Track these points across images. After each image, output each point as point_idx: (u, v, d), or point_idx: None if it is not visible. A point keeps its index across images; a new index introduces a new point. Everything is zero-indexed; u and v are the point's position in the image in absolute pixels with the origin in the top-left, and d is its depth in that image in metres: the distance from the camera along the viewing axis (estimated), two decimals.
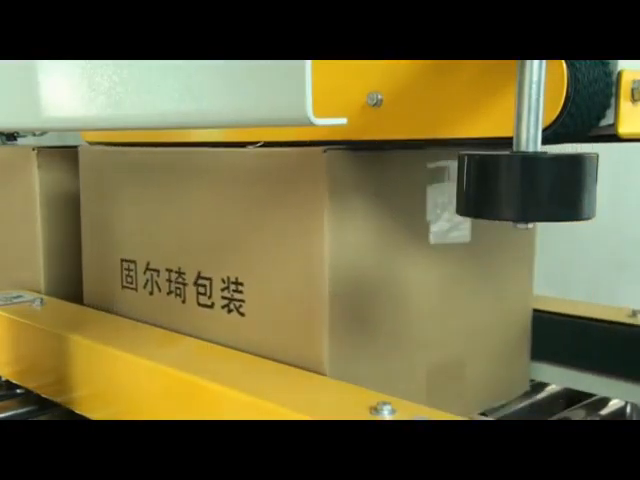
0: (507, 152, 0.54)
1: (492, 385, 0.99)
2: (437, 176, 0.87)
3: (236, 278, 0.87)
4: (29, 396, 1.01)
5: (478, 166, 0.55)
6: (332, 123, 0.55)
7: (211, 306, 0.91)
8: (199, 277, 0.92)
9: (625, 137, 0.61)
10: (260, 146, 0.86)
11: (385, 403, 0.66)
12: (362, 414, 0.65)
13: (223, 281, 0.88)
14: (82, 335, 0.91)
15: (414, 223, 0.86)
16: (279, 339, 0.83)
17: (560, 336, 1.04)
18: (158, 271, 0.97)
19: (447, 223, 0.88)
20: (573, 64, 0.58)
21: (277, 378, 0.78)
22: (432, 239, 0.87)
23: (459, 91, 0.66)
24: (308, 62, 0.51)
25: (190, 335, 0.93)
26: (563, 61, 0.58)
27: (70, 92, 0.67)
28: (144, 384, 0.83)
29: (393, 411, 0.65)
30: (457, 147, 1.06)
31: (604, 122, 0.61)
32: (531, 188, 0.53)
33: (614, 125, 0.60)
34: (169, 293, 0.96)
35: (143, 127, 0.85)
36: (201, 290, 0.92)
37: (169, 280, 0.96)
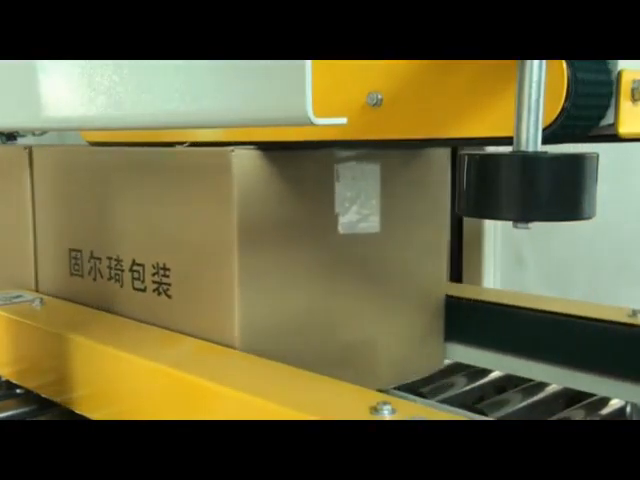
0: (507, 152, 0.54)
1: (405, 362, 1.07)
2: (345, 173, 0.97)
3: (164, 264, 0.97)
4: (29, 396, 1.01)
5: (478, 166, 0.55)
6: (332, 123, 0.55)
7: (144, 290, 1.00)
8: (134, 264, 1.01)
9: (625, 137, 0.61)
10: (188, 146, 0.98)
11: (385, 403, 0.66)
12: (362, 414, 0.65)
13: (153, 267, 0.98)
14: (82, 335, 0.91)
15: (323, 215, 0.96)
16: (199, 318, 0.93)
17: (560, 336, 1.04)
18: (100, 259, 1.07)
19: (356, 215, 0.99)
20: (573, 64, 0.58)
21: (277, 378, 0.78)
22: (341, 229, 0.98)
23: (459, 91, 0.66)
24: (308, 62, 0.51)
25: (127, 316, 1.01)
26: (563, 61, 0.58)
27: (70, 92, 0.67)
28: (144, 384, 0.83)
29: (393, 411, 0.65)
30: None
31: (604, 122, 0.60)
32: (531, 188, 0.53)
33: (614, 125, 0.60)
34: (109, 279, 1.05)
35: (143, 127, 0.85)
36: (135, 275, 1.01)
37: (109, 267, 1.05)
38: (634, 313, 1.01)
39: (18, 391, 1.04)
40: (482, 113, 0.65)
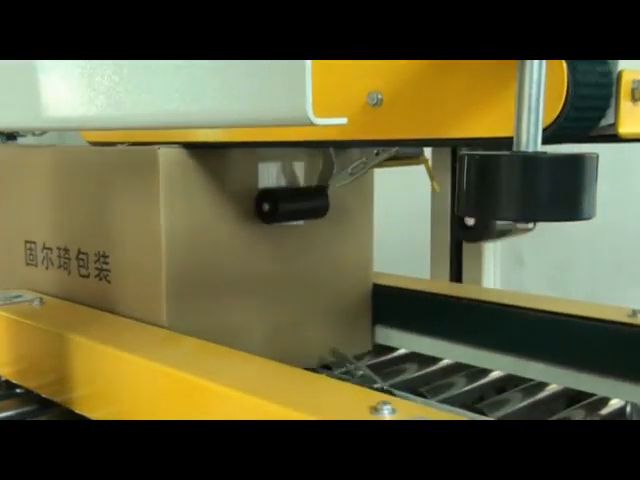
0: (507, 152, 0.54)
1: (331, 343, 1.17)
2: (269, 170, 1.08)
3: (104, 252, 1.07)
4: (29, 396, 1.01)
5: (478, 166, 0.55)
6: (332, 123, 0.55)
7: (88, 276, 1.10)
8: (79, 253, 1.12)
9: (625, 137, 0.61)
10: (129, 145, 1.08)
11: (385, 403, 0.66)
12: (362, 414, 0.65)
13: (95, 255, 1.09)
14: (82, 335, 0.91)
15: (248, 209, 1.06)
16: (133, 300, 1.03)
17: (560, 336, 1.04)
18: (51, 249, 1.17)
19: None
20: (573, 64, 0.58)
21: (277, 378, 0.78)
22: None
23: (459, 91, 0.66)
24: (308, 62, 0.51)
25: (75, 301, 1.11)
26: (563, 61, 0.58)
27: (70, 92, 0.67)
28: (144, 384, 0.83)
29: (393, 411, 0.65)
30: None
31: (604, 122, 0.60)
32: (531, 188, 0.53)
33: (614, 125, 0.60)
34: (59, 267, 1.15)
35: (143, 127, 0.85)
36: (81, 263, 1.12)
37: (59, 256, 1.15)
38: (634, 313, 1.01)
39: (18, 391, 1.04)
40: (482, 113, 0.65)
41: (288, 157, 1.09)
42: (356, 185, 1.13)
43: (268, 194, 1.07)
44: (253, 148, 1.03)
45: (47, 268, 1.17)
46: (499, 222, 0.70)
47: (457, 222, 0.69)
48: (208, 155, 1.00)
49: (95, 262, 1.08)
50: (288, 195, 1.10)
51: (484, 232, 0.70)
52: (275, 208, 1.06)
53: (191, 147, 0.98)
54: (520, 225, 0.54)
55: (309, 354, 1.13)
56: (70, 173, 1.12)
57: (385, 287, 1.25)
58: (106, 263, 1.06)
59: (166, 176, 0.96)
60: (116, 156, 1.05)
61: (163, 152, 0.96)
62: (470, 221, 0.69)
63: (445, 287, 1.28)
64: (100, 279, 1.07)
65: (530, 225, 0.53)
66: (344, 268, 1.20)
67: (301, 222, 1.11)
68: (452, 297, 1.15)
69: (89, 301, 1.08)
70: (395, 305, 1.24)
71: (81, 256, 1.11)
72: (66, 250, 1.13)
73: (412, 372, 1.15)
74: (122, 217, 1.03)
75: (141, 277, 1.01)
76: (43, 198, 1.16)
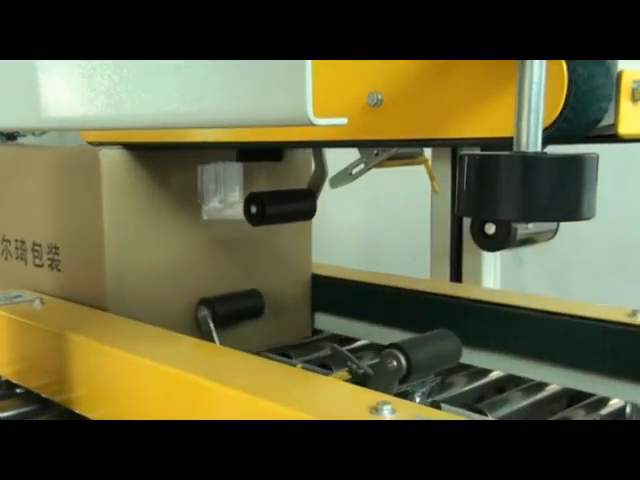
0: (507, 152, 0.54)
1: (274, 330, 1.27)
2: (208, 170, 1.18)
3: (55, 244, 1.17)
4: (29, 396, 1.01)
5: (478, 166, 0.55)
6: (332, 123, 0.55)
7: (42, 266, 1.20)
8: (34, 245, 1.21)
9: (625, 137, 0.61)
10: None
11: (385, 403, 0.66)
12: (362, 414, 0.65)
13: (48, 247, 1.18)
14: (82, 335, 0.91)
15: (188, 204, 1.16)
16: (80, 287, 1.12)
17: (560, 336, 1.04)
18: (10, 241, 1.26)
19: (220, 204, 1.19)
20: (573, 64, 0.58)
21: (277, 378, 0.78)
22: (204, 216, 1.18)
23: (459, 91, 0.66)
24: (308, 62, 0.51)
25: (31, 289, 1.18)
26: (563, 61, 0.58)
27: (70, 92, 0.67)
28: (144, 384, 0.83)
29: (393, 411, 0.65)
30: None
31: (604, 122, 0.60)
32: (531, 188, 0.53)
33: (614, 125, 0.60)
34: (17, 258, 1.25)
35: (143, 127, 0.85)
36: (36, 254, 1.21)
37: (16, 248, 1.25)
38: (634, 313, 1.01)
39: (18, 391, 1.04)
40: (482, 113, 0.65)
41: (225, 157, 1.19)
42: (294, 173, 1.26)
43: (256, 197, 1.11)
44: (194, 150, 1.13)
45: (6, 259, 1.27)
46: (520, 230, 0.71)
47: (477, 230, 0.69)
48: (150, 155, 1.10)
49: (48, 253, 1.18)
50: (276, 198, 1.15)
51: (505, 241, 0.70)
52: (263, 211, 1.10)
53: (133, 148, 1.08)
54: (520, 225, 0.54)
55: (250, 339, 1.22)
56: (25, 171, 1.21)
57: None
58: (57, 254, 1.16)
59: (107, 175, 1.06)
60: (63, 156, 1.15)
61: (104, 153, 1.06)
62: (490, 229, 0.69)
63: (445, 287, 1.28)
64: (52, 268, 1.17)
65: (530, 225, 0.53)
66: (284, 259, 1.30)
67: (242, 215, 1.18)
68: (452, 297, 1.15)
69: (44, 289, 1.17)
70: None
71: (36, 247, 1.20)
72: (22, 242, 1.23)
73: None
74: (70, 212, 1.13)
75: (86, 266, 1.11)
76: (3, 195, 1.26)
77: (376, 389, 0.79)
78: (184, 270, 1.17)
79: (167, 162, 1.13)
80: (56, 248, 1.16)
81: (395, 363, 0.85)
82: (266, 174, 1.25)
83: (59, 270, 1.16)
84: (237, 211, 1.18)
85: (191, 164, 1.16)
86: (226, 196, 1.20)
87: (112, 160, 1.07)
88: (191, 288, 1.18)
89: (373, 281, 1.29)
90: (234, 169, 1.20)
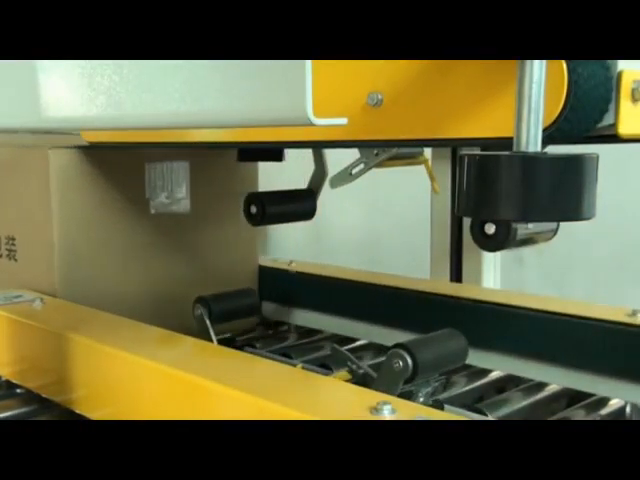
0: (507, 152, 0.54)
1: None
2: (154, 167, 1.27)
3: (12, 235, 1.27)
4: (29, 396, 1.01)
5: (478, 166, 0.55)
6: (332, 123, 0.55)
7: (1, 256, 1.30)
8: None
9: (625, 137, 0.61)
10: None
11: (385, 403, 0.66)
12: (362, 414, 0.65)
13: (6, 238, 1.28)
14: (82, 335, 0.91)
15: (136, 199, 1.26)
16: (35, 275, 1.22)
17: (560, 336, 1.04)
18: None
19: (167, 199, 1.29)
20: (573, 64, 0.58)
21: (277, 378, 0.78)
22: (152, 210, 1.28)
23: (459, 91, 0.66)
24: (308, 62, 0.51)
25: None
26: (563, 61, 0.58)
27: (70, 92, 0.67)
28: (144, 384, 0.83)
29: (393, 411, 0.65)
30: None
31: (604, 122, 0.60)
32: (531, 188, 0.53)
33: (614, 125, 0.60)
34: None
35: (143, 127, 0.85)
36: None
37: None
38: (634, 313, 1.01)
39: (18, 391, 1.04)
40: (482, 113, 0.65)
41: (172, 156, 1.28)
42: (241, 171, 1.37)
43: (256, 197, 1.13)
44: (141, 149, 1.22)
45: None
46: (520, 230, 0.71)
47: (477, 230, 0.69)
48: (100, 154, 1.20)
49: (6, 244, 1.28)
50: (276, 198, 1.17)
51: (505, 241, 0.71)
52: (263, 211, 1.12)
53: (83, 148, 1.17)
54: (520, 225, 0.54)
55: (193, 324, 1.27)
56: None
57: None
58: (14, 245, 1.27)
59: (56, 173, 1.16)
60: (16, 155, 1.25)
61: (54, 152, 1.16)
62: (490, 229, 0.69)
63: (445, 287, 1.28)
64: (10, 259, 1.28)
65: (530, 225, 0.52)
66: (229, 250, 1.40)
67: (188, 209, 1.31)
68: (452, 297, 1.15)
69: (3, 278, 1.28)
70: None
71: None
72: None
73: None
74: (25, 206, 1.23)
75: (39, 257, 1.21)
76: None
77: (381, 389, 0.79)
78: (132, 261, 1.27)
79: (116, 161, 1.22)
80: (13, 239, 1.26)
81: (401, 363, 0.85)
82: (213, 168, 1.35)
83: (16, 260, 1.26)
84: (184, 206, 1.30)
85: (139, 162, 1.26)
86: (173, 192, 1.30)
87: (61, 159, 1.17)
88: (138, 278, 1.27)
89: (373, 281, 1.30)
90: (180, 167, 1.30)
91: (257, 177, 1.42)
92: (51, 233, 1.17)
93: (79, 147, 1.18)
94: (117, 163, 1.23)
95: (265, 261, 1.49)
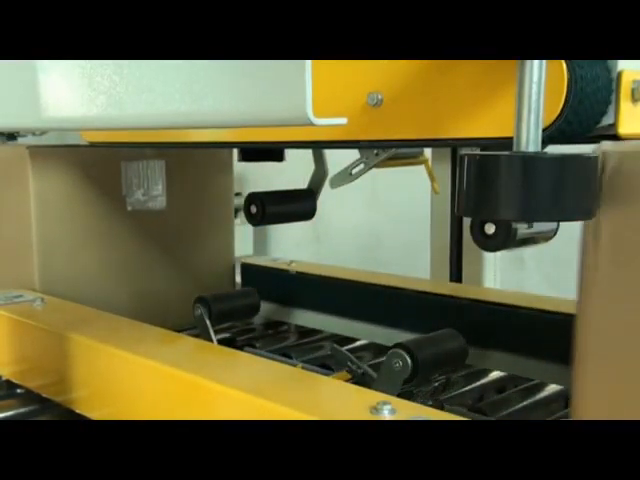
0: (507, 152, 0.54)
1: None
2: (131, 166, 1.31)
3: None
4: (29, 396, 1.01)
5: (478, 166, 0.55)
6: (332, 123, 0.55)
7: None
8: None
9: (625, 137, 0.61)
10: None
11: (385, 403, 0.66)
12: (362, 414, 0.65)
13: None
14: (82, 335, 0.91)
15: (114, 197, 1.30)
16: (14, 273, 1.25)
17: (560, 336, 1.04)
18: None
19: (143, 197, 1.33)
20: (573, 64, 0.58)
21: (277, 378, 0.78)
22: (129, 207, 1.31)
23: (459, 91, 0.66)
24: (308, 62, 0.51)
25: None
26: (563, 61, 0.58)
27: (70, 92, 0.67)
28: (144, 384, 0.83)
29: (393, 411, 0.65)
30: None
31: (604, 122, 0.60)
32: (531, 188, 0.53)
33: (614, 125, 0.60)
34: None
35: (143, 127, 0.85)
36: None
37: None
38: None
39: (18, 391, 1.04)
40: (482, 113, 0.65)
41: (148, 155, 1.31)
42: (217, 168, 1.42)
43: (256, 197, 1.13)
44: (117, 148, 1.26)
45: None
46: (520, 230, 0.71)
47: (477, 230, 0.70)
48: (77, 153, 1.24)
49: None
50: (276, 198, 1.17)
51: (505, 241, 0.71)
52: (263, 211, 1.12)
53: (61, 146, 1.24)
54: (520, 225, 0.54)
55: (171, 319, 1.29)
56: None
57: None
58: None
59: (35, 172, 1.20)
60: None
61: (32, 151, 1.20)
62: (490, 229, 0.69)
63: (445, 287, 1.29)
64: None
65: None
66: (204, 247, 1.43)
67: (164, 205, 1.34)
68: (453, 297, 1.15)
69: None
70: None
71: None
72: None
73: None
74: (4, 205, 1.27)
75: (20, 253, 1.24)
76: None
77: (381, 389, 0.79)
78: (110, 257, 1.31)
79: (93, 159, 1.26)
80: None
81: (401, 363, 0.85)
82: (190, 167, 1.39)
83: None
84: (159, 203, 1.34)
85: (116, 161, 1.29)
86: (149, 189, 1.34)
87: (39, 157, 1.21)
88: (117, 274, 1.32)
89: (373, 281, 1.29)
90: (156, 166, 1.34)
91: (232, 175, 1.46)
92: (30, 231, 1.21)
93: (57, 146, 1.24)
94: (94, 161, 1.26)
95: (265, 261, 1.50)
